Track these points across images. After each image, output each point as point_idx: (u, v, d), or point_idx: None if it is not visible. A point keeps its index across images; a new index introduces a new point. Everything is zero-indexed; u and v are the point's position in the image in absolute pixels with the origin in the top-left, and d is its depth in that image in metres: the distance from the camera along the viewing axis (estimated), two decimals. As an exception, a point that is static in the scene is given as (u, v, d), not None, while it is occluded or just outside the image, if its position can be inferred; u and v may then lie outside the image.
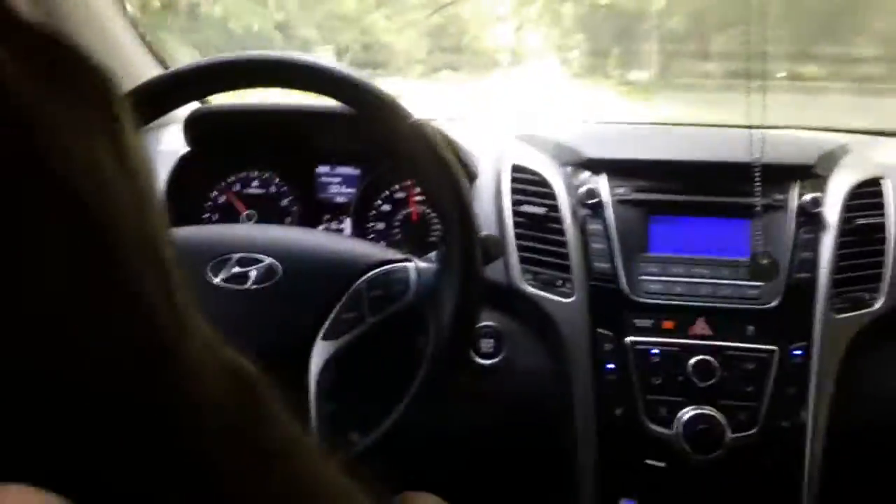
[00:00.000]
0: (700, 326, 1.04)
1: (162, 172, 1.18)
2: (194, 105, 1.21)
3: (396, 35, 2.22)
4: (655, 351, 1.03)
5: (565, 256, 1.06)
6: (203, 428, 0.30)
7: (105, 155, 0.28)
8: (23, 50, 0.27)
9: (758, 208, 1.06)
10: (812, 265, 1.04)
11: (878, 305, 1.02)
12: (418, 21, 2.20)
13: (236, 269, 0.84)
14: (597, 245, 1.07)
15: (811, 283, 1.03)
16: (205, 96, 1.16)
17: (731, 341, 1.02)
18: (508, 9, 2.32)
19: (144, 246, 0.29)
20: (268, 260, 0.85)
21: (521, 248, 1.07)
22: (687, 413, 1.00)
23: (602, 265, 1.06)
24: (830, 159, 1.13)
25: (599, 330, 1.04)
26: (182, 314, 0.31)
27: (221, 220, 1.23)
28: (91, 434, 0.27)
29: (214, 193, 1.24)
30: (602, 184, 1.11)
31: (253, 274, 0.83)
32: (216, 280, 0.83)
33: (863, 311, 1.02)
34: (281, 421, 0.35)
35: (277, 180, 1.25)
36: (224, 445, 0.30)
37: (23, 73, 0.27)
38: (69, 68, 0.29)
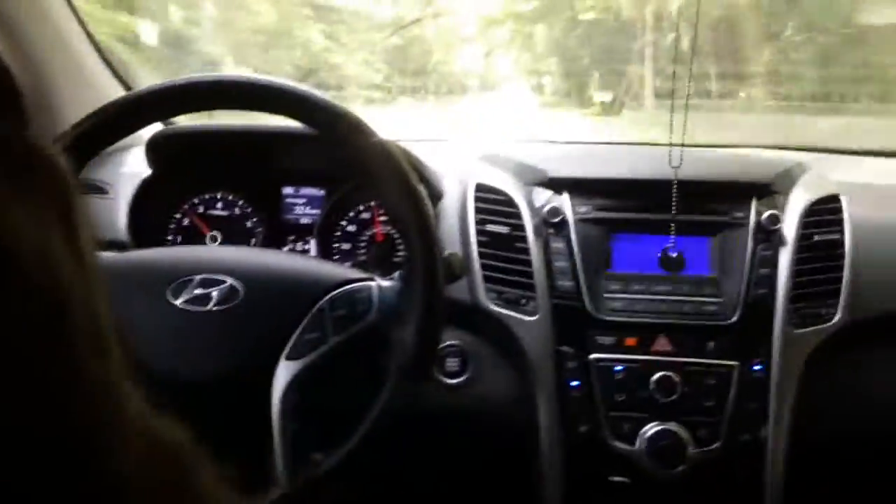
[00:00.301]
0: (662, 343, 1.05)
1: (125, 195, 1.18)
2: (158, 127, 1.21)
3: (346, 56, 2.10)
4: (618, 368, 1.03)
5: (529, 275, 1.07)
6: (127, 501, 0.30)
7: (57, 241, 0.29)
8: None
9: (674, 215, 1.08)
10: (770, 281, 1.06)
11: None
12: (374, 42, 2.10)
13: (198, 291, 0.83)
14: (560, 263, 1.08)
15: (770, 299, 1.05)
16: (164, 118, 1.16)
17: (693, 357, 1.03)
18: (475, 30, 2.25)
19: (89, 323, 0.30)
20: (230, 281, 0.84)
21: (485, 267, 1.07)
22: (650, 429, 1.01)
23: (565, 283, 1.07)
24: (788, 177, 1.15)
25: (563, 348, 1.04)
26: (118, 390, 0.31)
27: (186, 243, 1.22)
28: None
29: (178, 215, 1.23)
30: (565, 202, 1.12)
31: (215, 295, 0.83)
32: (177, 302, 0.82)
33: (820, 326, 1.03)
34: (210, 494, 0.35)
35: (242, 202, 1.24)
36: None
37: None
38: (24, 158, 0.30)
